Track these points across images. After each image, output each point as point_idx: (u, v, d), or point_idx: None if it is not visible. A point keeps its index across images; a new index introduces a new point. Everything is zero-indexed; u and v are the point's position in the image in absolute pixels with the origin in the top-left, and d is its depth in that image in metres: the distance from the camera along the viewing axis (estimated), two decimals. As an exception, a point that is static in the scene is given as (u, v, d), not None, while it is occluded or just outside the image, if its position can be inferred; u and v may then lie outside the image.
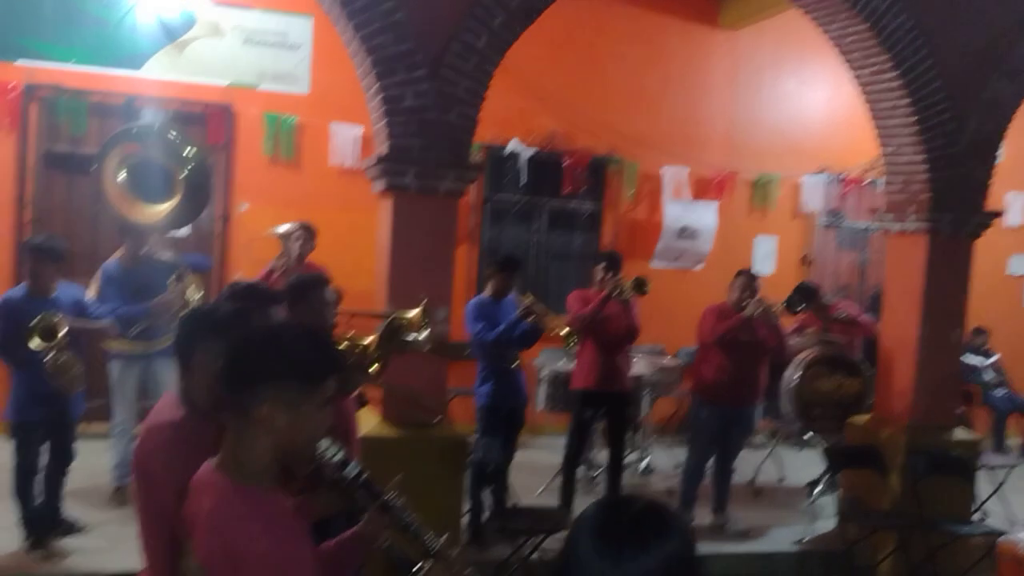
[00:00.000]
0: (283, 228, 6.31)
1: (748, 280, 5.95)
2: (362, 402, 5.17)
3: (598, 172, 8.45)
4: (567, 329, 5.52)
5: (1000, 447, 8.67)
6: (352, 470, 1.96)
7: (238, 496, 1.75)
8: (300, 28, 7.55)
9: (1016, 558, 5.49)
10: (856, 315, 7.05)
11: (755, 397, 6.09)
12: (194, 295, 5.62)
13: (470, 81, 4.79)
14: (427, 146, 4.74)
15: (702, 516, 6.15)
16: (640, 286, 5.77)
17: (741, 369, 5.88)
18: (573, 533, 1.46)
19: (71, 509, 5.29)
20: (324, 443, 1.91)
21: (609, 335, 5.89)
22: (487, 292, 5.77)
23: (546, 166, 8.24)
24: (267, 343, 1.84)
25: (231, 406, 1.80)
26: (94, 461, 5.81)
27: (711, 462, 6.15)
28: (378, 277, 4.98)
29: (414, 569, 1.98)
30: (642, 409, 6.87)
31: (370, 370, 3.66)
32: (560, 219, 8.48)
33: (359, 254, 6.59)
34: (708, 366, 5.97)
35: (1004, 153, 8.82)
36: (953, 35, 5.59)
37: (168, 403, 2.44)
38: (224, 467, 1.80)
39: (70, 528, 5.14)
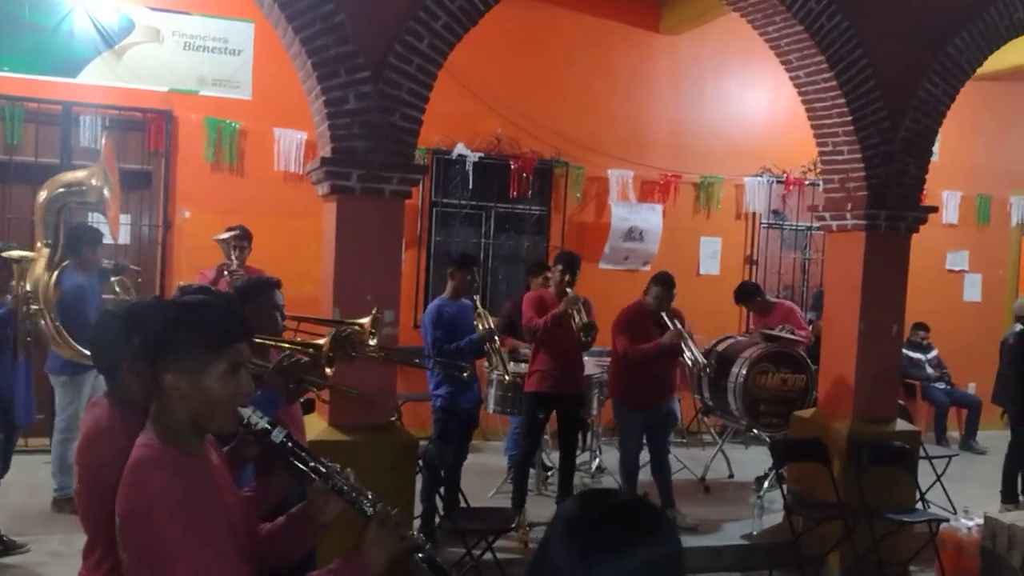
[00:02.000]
0: (224, 235, 6.26)
1: (666, 290, 5.98)
2: (309, 407, 5.11)
3: (545, 175, 8.49)
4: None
5: (941, 439, 8.89)
6: (278, 435, 1.95)
7: (158, 452, 1.81)
8: (241, 33, 7.47)
9: (957, 544, 5.64)
10: (797, 327, 7.19)
11: (671, 392, 6.21)
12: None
13: (413, 83, 4.78)
14: (371, 148, 4.72)
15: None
16: (588, 330, 5.78)
17: (655, 372, 5.97)
18: (549, 530, 1.40)
19: (9, 527, 5.14)
20: (247, 411, 1.92)
21: (564, 340, 5.90)
22: (447, 293, 5.76)
23: (493, 170, 8.27)
24: (167, 314, 1.93)
25: (148, 377, 1.88)
26: (32, 477, 5.67)
27: (647, 462, 6.22)
28: (323, 281, 4.94)
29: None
30: (593, 409, 6.90)
31: (326, 371, 3.64)
32: (508, 223, 8.51)
33: (305, 260, 6.52)
34: (623, 372, 6.04)
35: (939, 153, 9.17)
36: (887, 36, 5.74)
37: (101, 407, 2.40)
38: (151, 429, 1.87)
39: (10, 547, 5.00)
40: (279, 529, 2.09)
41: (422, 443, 5.15)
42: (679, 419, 6.69)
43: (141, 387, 2.16)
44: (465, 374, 4.97)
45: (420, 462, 4.93)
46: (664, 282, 6.01)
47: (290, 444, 1.96)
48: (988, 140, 9.93)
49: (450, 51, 4.86)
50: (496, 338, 5.74)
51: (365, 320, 3.69)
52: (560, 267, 5.96)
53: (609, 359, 7.53)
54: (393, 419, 3.97)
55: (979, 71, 8.14)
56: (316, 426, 4.84)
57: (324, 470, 1.96)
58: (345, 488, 1.94)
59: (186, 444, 1.86)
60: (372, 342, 3.73)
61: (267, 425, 1.94)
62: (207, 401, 1.83)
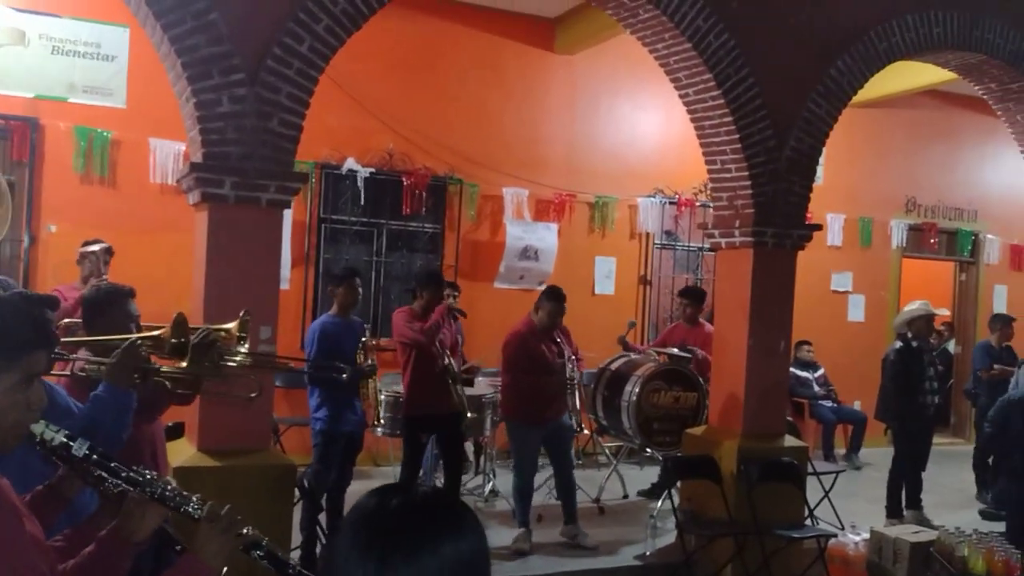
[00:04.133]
0: (94, 247, 5.86)
1: (558, 305, 5.91)
2: (177, 432, 4.77)
3: (439, 193, 8.33)
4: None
5: (829, 456, 9.07)
6: (80, 447, 1.76)
7: None
8: (115, 38, 7.07)
9: (845, 559, 5.68)
10: (699, 349, 7.18)
11: (564, 407, 6.09)
12: None
13: (293, 87, 4.56)
14: (246, 154, 4.46)
15: (546, 535, 6.06)
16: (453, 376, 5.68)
17: (546, 387, 5.87)
18: (336, 540, 1.27)
19: None
20: (39, 426, 1.72)
21: (440, 357, 5.72)
22: (333, 310, 5.53)
23: (385, 186, 8.06)
24: None
25: None
26: None
27: (550, 478, 6.11)
28: (194, 294, 4.63)
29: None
30: (485, 431, 6.72)
31: (182, 391, 3.35)
32: (400, 240, 8.29)
33: (183, 278, 6.13)
34: (514, 390, 5.93)
35: (823, 177, 9.45)
36: (772, 56, 5.83)
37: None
38: None
39: None
40: (87, 560, 1.83)
41: (302, 469, 4.88)
42: (575, 431, 6.58)
43: None
44: (344, 375, 4.72)
45: (298, 490, 4.66)
46: (556, 297, 5.94)
47: (95, 456, 1.74)
48: (869, 165, 10.30)
49: (332, 55, 4.65)
50: (373, 374, 5.52)
51: (232, 324, 3.40)
52: (426, 287, 5.82)
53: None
54: (255, 395, 3.64)
55: (860, 99, 8.44)
56: (184, 452, 4.52)
57: (142, 479, 1.76)
58: (168, 493, 1.76)
59: None
60: (242, 348, 3.45)
61: (64, 439, 1.73)
62: None
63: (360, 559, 1.20)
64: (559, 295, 5.95)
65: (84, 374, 2.96)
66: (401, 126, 8.08)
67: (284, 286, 7.14)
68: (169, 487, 1.83)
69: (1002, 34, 6.55)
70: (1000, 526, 5.96)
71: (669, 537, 6.09)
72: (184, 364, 3.14)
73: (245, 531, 1.79)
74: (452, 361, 5.66)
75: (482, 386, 6.70)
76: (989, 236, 11.05)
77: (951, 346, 10.94)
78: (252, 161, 4.46)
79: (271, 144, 4.52)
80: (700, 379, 6.81)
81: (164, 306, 3.44)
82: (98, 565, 1.81)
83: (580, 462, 8.09)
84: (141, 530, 1.80)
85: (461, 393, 5.65)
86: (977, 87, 7.20)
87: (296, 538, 4.96)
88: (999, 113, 7.35)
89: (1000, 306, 10.89)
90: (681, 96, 6.01)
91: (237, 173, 4.43)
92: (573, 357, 6.05)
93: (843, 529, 6.03)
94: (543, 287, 8.48)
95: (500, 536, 5.85)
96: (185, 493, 1.84)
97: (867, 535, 5.70)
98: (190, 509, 1.79)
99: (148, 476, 1.82)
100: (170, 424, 5.01)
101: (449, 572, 1.21)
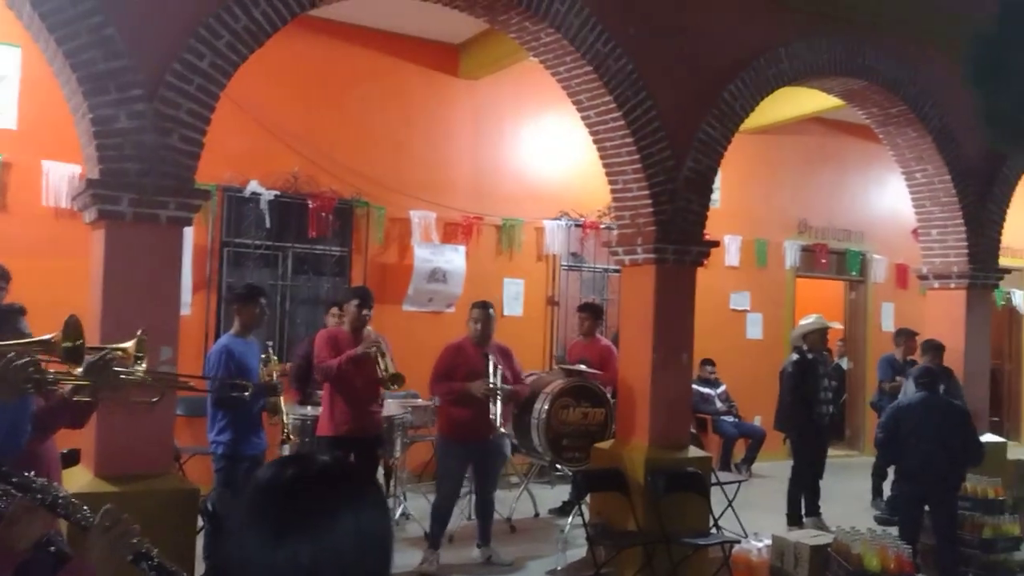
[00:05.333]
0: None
1: (485, 311, 6.00)
2: (72, 460, 4.59)
3: (345, 216, 8.29)
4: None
5: (726, 468, 9.31)
6: None
7: None
8: (6, 58, 6.83)
9: (749, 565, 5.86)
10: (611, 369, 7.27)
11: (494, 428, 6.09)
12: None
13: (194, 103, 4.50)
14: (145, 171, 4.37)
15: (457, 555, 6.04)
16: (395, 381, 5.66)
17: (482, 404, 5.88)
18: (231, 519, 1.27)
19: None
20: None
21: (360, 380, 5.68)
22: (235, 330, 5.41)
23: (290, 209, 7.98)
24: None
25: None
26: None
27: (469, 498, 6.09)
28: (90, 316, 4.47)
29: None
30: (396, 452, 6.66)
31: (79, 398, 3.23)
32: (307, 263, 8.20)
33: (78, 303, 5.92)
34: (448, 406, 5.94)
35: (720, 200, 9.81)
36: (669, 80, 6.05)
37: None
38: None
39: None
40: None
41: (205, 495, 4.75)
42: (508, 456, 6.57)
43: None
44: (247, 393, 4.61)
45: (202, 515, 4.53)
46: (483, 304, 6.07)
47: None
48: (763, 189, 10.74)
49: (234, 71, 4.61)
50: (279, 391, 5.40)
51: (129, 344, 3.31)
52: (356, 301, 5.77)
53: (412, 400, 7.38)
54: (156, 400, 3.53)
55: (753, 125, 8.85)
56: (80, 478, 4.35)
57: (33, 485, 1.70)
58: (60, 500, 1.70)
59: None
60: (140, 367, 3.36)
61: None
62: None
63: (257, 530, 1.18)
64: (483, 303, 6.09)
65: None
66: (306, 149, 8.03)
67: (186, 311, 6.96)
68: (61, 495, 1.78)
69: (882, 61, 6.96)
70: (894, 531, 6.23)
71: (580, 551, 6.14)
72: (79, 370, 3.05)
73: (136, 541, 1.74)
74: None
75: (392, 407, 6.66)
76: (876, 256, 11.63)
77: (844, 362, 11.42)
78: (151, 177, 4.38)
79: (171, 160, 4.45)
80: (607, 395, 6.92)
81: (58, 330, 3.32)
82: None
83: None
84: (25, 537, 1.73)
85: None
86: (861, 112, 7.62)
87: (200, 567, 4.80)
88: (881, 137, 7.79)
89: (888, 323, 11.45)
90: (583, 118, 6.17)
91: (135, 189, 4.33)
92: (502, 374, 6.00)
93: (746, 536, 6.21)
94: (451, 309, 8.59)
95: (409, 558, 5.81)
96: (76, 502, 1.78)
97: (769, 541, 5.89)
98: (79, 517, 1.74)
99: (39, 483, 1.77)
100: (64, 451, 4.82)
101: (350, 545, 1.19)
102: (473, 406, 5.84)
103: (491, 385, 5.82)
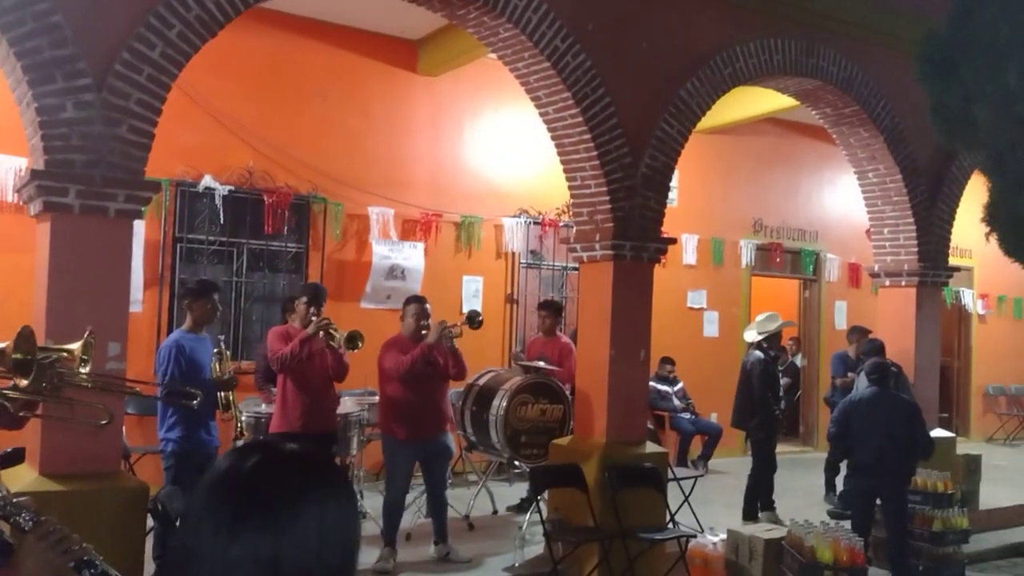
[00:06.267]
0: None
1: (420, 307, 5.98)
2: (17, 458, 4.47)
3: (302, 211, 8.19)
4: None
5: (683, 464, 9.36)
6: None
7: None
8: (-52, 46, 6.63)
9: (705, 559, 5.90)
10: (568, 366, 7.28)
11: (444, 423, 6.07)
12: None
13: (144, 93, 4.41)
14: (92, 162, 4.27)
15: (415, 553, 6.00)
16: (352, 340, 5.62)
17: (427, 400, 5.86)
18: (185, 508, 1.21)
19: None
20: None
21: (314, 374, 5.64)
22: (186, 325, 5.32)
23: (245, 204, 7.86)
24: None
25: None
26: None
27: (424, 496, 6.05)
28: (36, 311, 4.36)
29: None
30: (352, 450, 6.60)
31: (18, 412, 3.13)
32: (262, 260, 8.09)
33: (23, 299, 5.78)
34: (393, 402, 5.89)
35: (678, 200, 9.88)
36: (626, 77, 6.07)
37: None
38: None
39: None
40: None
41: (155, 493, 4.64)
42: (453, 452, 6.55)
43: None
44: (195, 401, 4.52)
45: (151, 515, 4.43)
46: (415, 299, 6.10)
47: None
48: (719, 189, 10.84)
49: (187, 61, 4.53)
50: (232, 386, 5.33)
51: (75, 345, 3.22)
52: (304, 299, 5.74)
53: (370, 398, 7.32)
54: (106, 422, 3.44)
55: (709, 125, 8.93)
56: (24, 477, 4.23)
57: None
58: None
59: None
60: (84, 370, 3.26)
61: None
62: None
63: (214, 520, 1.14)
64: (417, 297, 6.11)
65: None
66: (261, 144, 7.92)
67: (136, 308, 6.85)
68: (1, 494, 1.70)
69: (835, 62, 7.06)
70: (846, 524, 6.31)
71: (538, 548, 6.14)
72: (26, 383, 2.94)
73: (77, 548, 1.66)
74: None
75: (349, 404, 6.60)
76: (830, 255, 11.81)
77: (798, 359, 11.57)
78: (99, 169, 4.27)
79: (119, 151, 4.35)
80: (566, 392, 6.92)
81: (5, 328, 3.21)
82: None
83: (450, 480, 8.04)
84: None
85: None
86: (814, 112, 7.72)
87: (150, 567, 4.70)
88: (834, 136, 7.90)
89: (840, 320, 11.63)
90: (541, 114, 6.16)
91: (82, 181, 4.23)
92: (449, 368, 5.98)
93: (702, 531, 6.26)
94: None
95: (366, 556, 5.75)
96: (18, 502, 1.70)
97: (724, 536, 5.95)
98: (20, 520, 1.66)
99: None
100: (8, 450, 4.70)
101: (313, 534, 1.14)
102: (418, 398, 5.81)
103: (445, 326, 5.85)
